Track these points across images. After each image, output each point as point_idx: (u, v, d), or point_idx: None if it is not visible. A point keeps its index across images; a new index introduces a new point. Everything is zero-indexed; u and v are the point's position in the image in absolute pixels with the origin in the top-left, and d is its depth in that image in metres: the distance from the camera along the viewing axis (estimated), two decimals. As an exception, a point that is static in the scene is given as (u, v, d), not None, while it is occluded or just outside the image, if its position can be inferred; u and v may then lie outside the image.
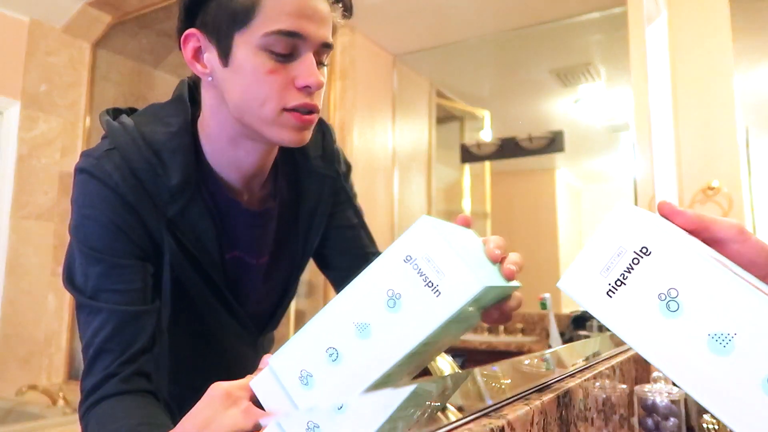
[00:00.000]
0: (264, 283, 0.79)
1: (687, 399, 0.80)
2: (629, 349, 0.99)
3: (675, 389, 0.77)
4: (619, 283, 0.37)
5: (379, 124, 2.58)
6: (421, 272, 0.38)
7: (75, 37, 2.53)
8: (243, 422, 0.43)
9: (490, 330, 2.35)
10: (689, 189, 1.66)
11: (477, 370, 0.57)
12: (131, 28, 2.57)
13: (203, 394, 0.46)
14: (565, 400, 0.61)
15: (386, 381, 0.39)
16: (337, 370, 0.40)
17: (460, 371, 0.72)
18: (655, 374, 0.81)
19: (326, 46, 0.64)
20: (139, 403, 0.59)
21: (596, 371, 0.76)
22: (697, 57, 1.69)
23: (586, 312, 0.38)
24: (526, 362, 0.71)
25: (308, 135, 0.66)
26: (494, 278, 0.44)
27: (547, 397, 0.56)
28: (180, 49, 0.66)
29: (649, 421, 0.77)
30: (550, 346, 1.70)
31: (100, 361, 0.60)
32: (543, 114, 2.51)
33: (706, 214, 0.42)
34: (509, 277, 0.47)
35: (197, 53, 0.65)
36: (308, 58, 0.62)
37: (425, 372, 0.55)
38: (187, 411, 0.46)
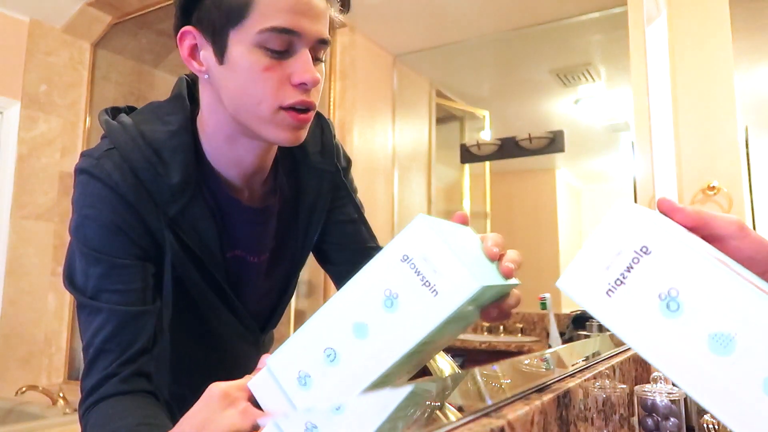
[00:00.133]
0: (264, 281, 0.79)
1: (687, 399, 0.80)
2: (629, 349, 0.99)
3: (675, 389, 0.77)
4: (618, 282, 0.36)
5: (379, 124, 2.58)
6: (418, 272, 0.38)
7: (75, 37, 2.53)
8: (241, 423, 0.43)
9: (489, 330, 2.35)
10: (689, 189, 1.65)
11: (477, 370, 0.57)
12: (131, 28, 2.57)
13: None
14: (565, 400, 0.60)
15: (384, 381, 0.39)
16: (334, 371, 0.39)
17: (459, 371, 0.72)
18: (655, 374, 0.81)
19: (322, 42, 0.63)
20: (139, 404, 0.59)
21: (596, 371, 0.76)
22: (697, 57, 1.69)
23: (586, 312, 0.38)
24: (526, 362, 0.71)
25: (304, 134, 0.65)
26: (492, 277, 0.43)
27: (547, 397, 0.56)
28: (177, 46, 0.66)
29: (649, 421, 0.76)
30: (550, 346, 1.70)
31: (100, 361, 0.60)
32: (543, 114, 2.51)
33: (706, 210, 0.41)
34: (507, 275, 0.47)
35: (193, 51, 0.65)
36: (304, 55, 0.61)
37: (424, 371, 0.55)
38: (188, 411, 0.46)
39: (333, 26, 0.67)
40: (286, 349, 0.42)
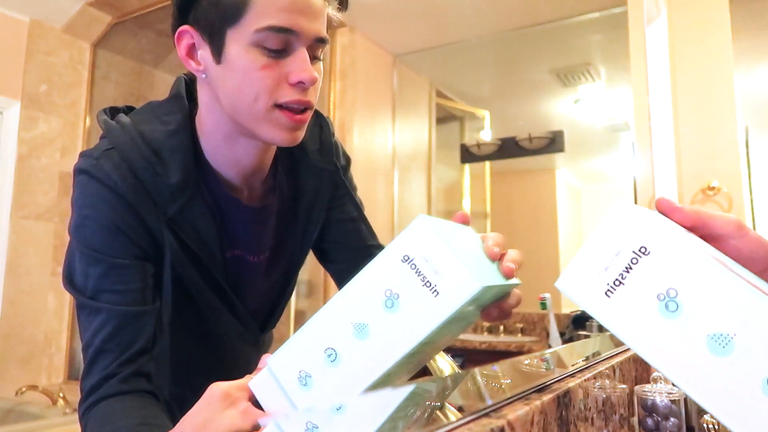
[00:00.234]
0: (264, 280, 0.79)
1: (687, 399, 0.80)
2: (629, 349, 0.99)
3: (675, 389, 0.77)
4: (617, 283, 0.36)
5: (379, 124, 2.58)
6: (419, 272, 0.38)
7: (75, 37, 2.53)
8: (241, 423, 0.43)
9: (489, 330, 2.35)
10: (689, 189, 1.65)
11: (477, 370, 0.57)
12: (131, 28, 2.57)
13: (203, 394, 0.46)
14: (565, 400, 0.60)
15: (385, 381, 0.39)
16: (335, 371, 0.39)
17: (459, 371, 0.72)
18: (655, 374, 0.81)
19: (320, 41, 0.63)
20: (139, 404, 0.59)
21: (596, 371, 0.76)
22: (697, 57, 1.69)
23: (586, 312, 0.38)
24: (526, 362, 0.71)
25: (301, 135, 0.65)
26: (493, 277, 0.43)
27: (547, 397, 0.56)
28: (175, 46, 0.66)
29: (649, 421, 0.76)
30: (550, 346, 1.70)
31: (100, 361, 0.60)
32: (543, 114, 2.51)
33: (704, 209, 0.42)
34: (508, 275, 0.47)
35: (191, 50, 0.65)
36: (301, 54, 0.61)
37: (424, 371, 0.55)
38: (188, 411, 0.46)
39: (331, 25, 0.67)
40: (286, 349, 0.42)
